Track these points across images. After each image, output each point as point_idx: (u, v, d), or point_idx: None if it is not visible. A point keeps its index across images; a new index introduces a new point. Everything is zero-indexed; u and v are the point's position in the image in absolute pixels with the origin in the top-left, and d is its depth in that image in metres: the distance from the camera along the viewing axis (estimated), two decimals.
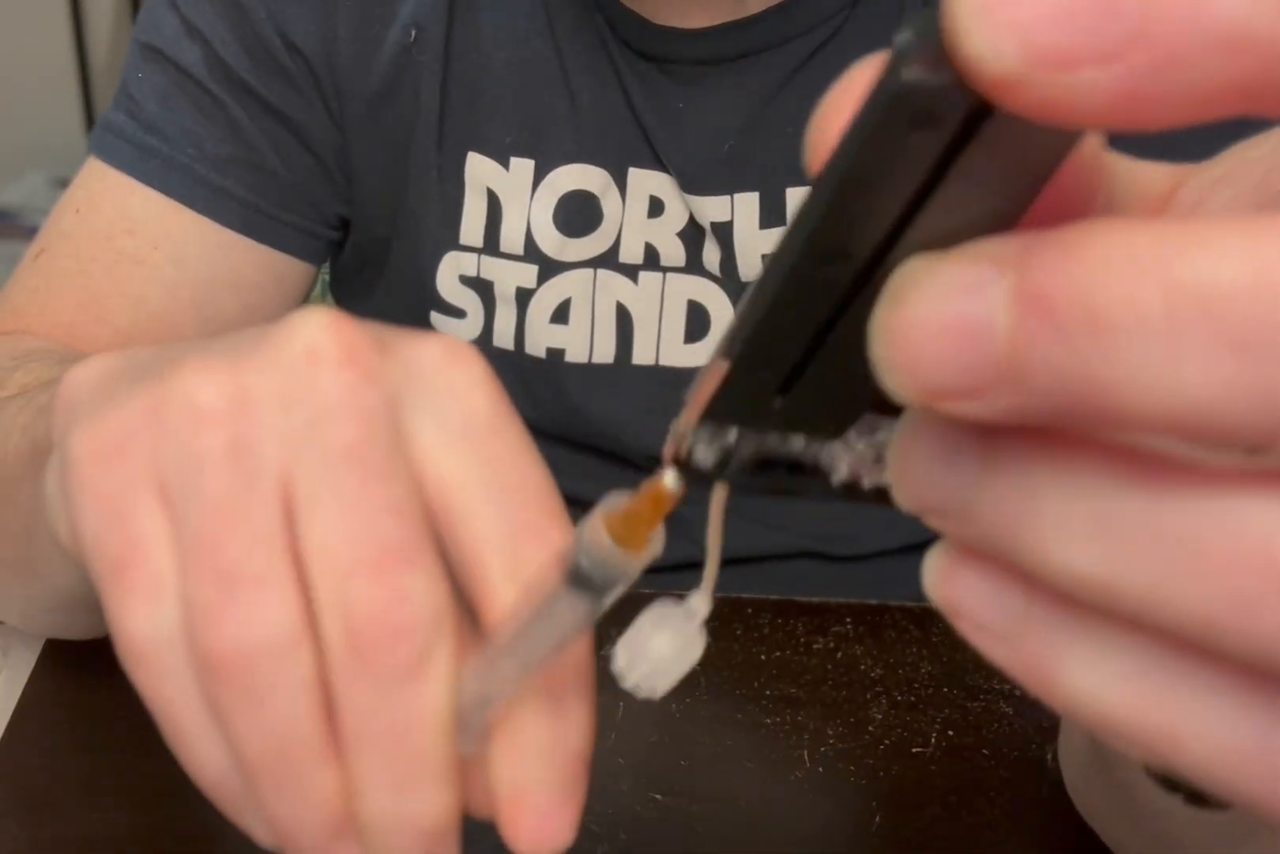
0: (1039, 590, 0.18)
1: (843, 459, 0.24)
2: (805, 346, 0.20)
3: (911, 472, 0.19)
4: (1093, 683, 0.17)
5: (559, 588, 0.27)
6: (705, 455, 0.24)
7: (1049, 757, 0.58)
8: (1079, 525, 0.16)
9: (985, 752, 0.58)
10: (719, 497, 0.26)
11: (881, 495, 0.24)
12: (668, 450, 0.24)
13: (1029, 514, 0.17)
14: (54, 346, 0.61)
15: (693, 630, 0.28)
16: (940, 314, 0.16)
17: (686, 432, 0.24)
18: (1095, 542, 0.16)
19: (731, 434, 0.23)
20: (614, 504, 0.26)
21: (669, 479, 0.25)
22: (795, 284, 0.19)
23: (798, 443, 0.24)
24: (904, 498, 0.19)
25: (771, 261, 0.19)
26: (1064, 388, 0.15)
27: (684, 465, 0.25)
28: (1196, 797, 0.32)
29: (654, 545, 0.26)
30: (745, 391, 0.22)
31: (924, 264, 0.17)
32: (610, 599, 0.27)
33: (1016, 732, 0.59)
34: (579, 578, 0.26)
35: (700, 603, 0.28)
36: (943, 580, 0.19)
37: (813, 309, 0.19)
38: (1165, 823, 0.40)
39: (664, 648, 0.27)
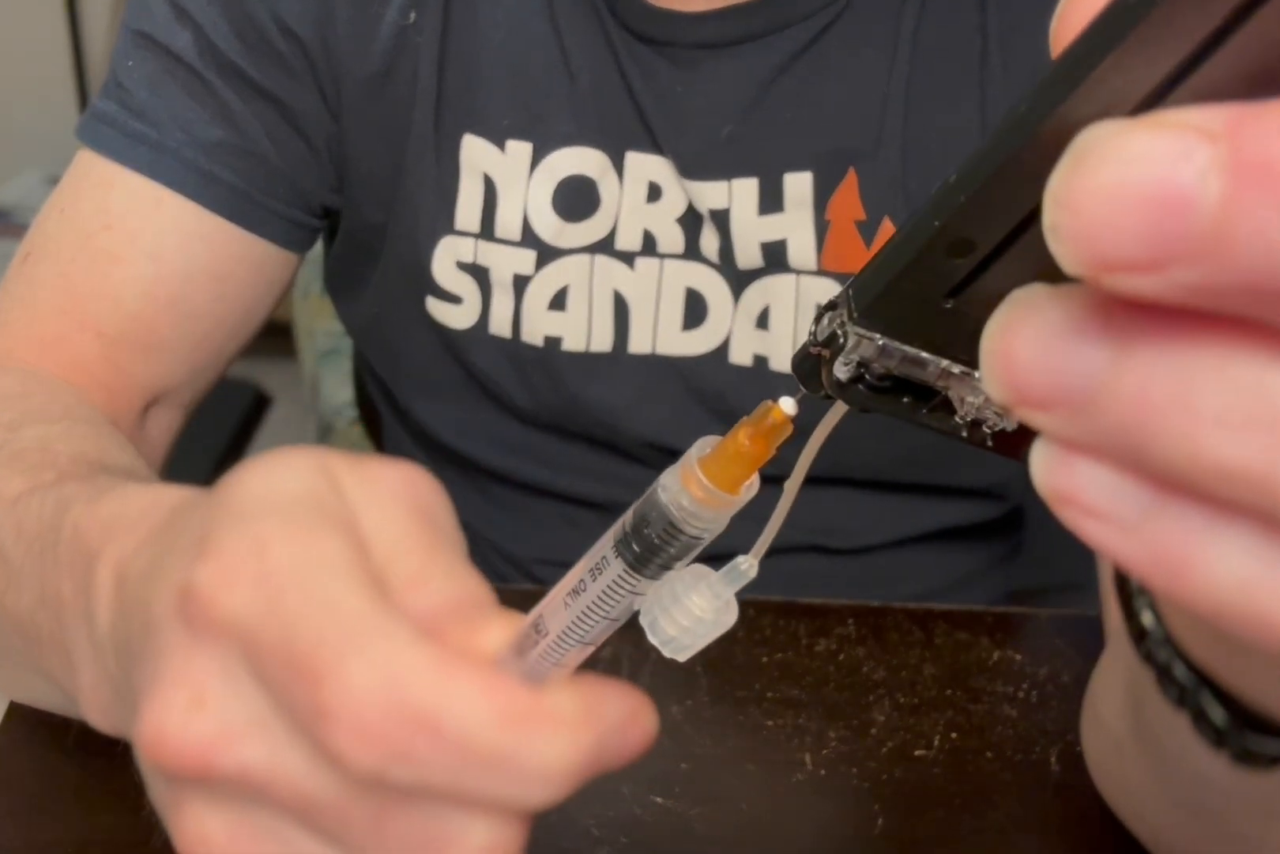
0: (1164, 481, 0.17)
1: (973, 395, 0.23)
2: (1002, 237, 0.19)
3: (1021, 353, 0.18)
4: (1236, 575, 0.17)
5: (615, 563, 0.26)
6: (840, 367, 0.22)
7: (1053, 759, 0.57)
8: (1243, 417, 0.16)
9: (989, 755, 0.57)
10: (833, 417, 0.25)
11: (1001, 442, 0.23)
12: (796, 357, 0.23)
13: (1182, 401, 0.16)
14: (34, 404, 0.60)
15: (729, 595, 0.27)
16: (1135, 181, 0.15)
17: (837, 327, 0.22)
18: (1259, 435, 0.16)
19: (877, 341, 0.22)
20: (706, 447, 0.25)
21: (787, 404, 0.24)
22: (1020, 160, 0.18)
23: (934, 366, 0.22)
24: (1005, 385, 0.18)
25: (1006, 128, 0.18)
26: (1268, 264, 0.15)
27: (810, 377, 0.23)
28: (1244, 754, 0.32)
29: (750, 489, 0.25)
30: (922, 282, 0.20)
31: (1115, 128, 0.16)
32: (688, 560, 0.26)
33: (1020, 734, 0.59)
34: (631, 550, 0.25)
35: (749, 565, 0.27)
36: (1057, 468, 0.18)
37: (1025, 194, 0.17)
38: (1205, 792, 0.40)
39: (702, 609, 0.26)
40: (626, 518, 0.26)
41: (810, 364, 0.23)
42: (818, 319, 0.22)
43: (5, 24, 2.27)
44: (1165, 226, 0.15)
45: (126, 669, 0.32)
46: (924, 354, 0.22)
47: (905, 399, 0.23)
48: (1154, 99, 0.17)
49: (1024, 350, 0.18)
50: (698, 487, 0.24)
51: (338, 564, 0.27)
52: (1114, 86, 0.17)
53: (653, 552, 0.25)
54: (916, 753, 0.57)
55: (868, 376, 0.23)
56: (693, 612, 0.26)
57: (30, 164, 2.28)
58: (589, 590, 0.27)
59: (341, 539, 0.28)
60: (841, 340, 0.22)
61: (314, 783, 0.27)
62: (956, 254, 0.20)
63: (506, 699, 0.25)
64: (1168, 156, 0.15)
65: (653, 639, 0.27)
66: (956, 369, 0.22)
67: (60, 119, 2.30)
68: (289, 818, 0.27)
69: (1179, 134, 0.15)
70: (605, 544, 0.26)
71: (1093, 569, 0.64)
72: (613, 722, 0.27)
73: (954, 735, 0.58)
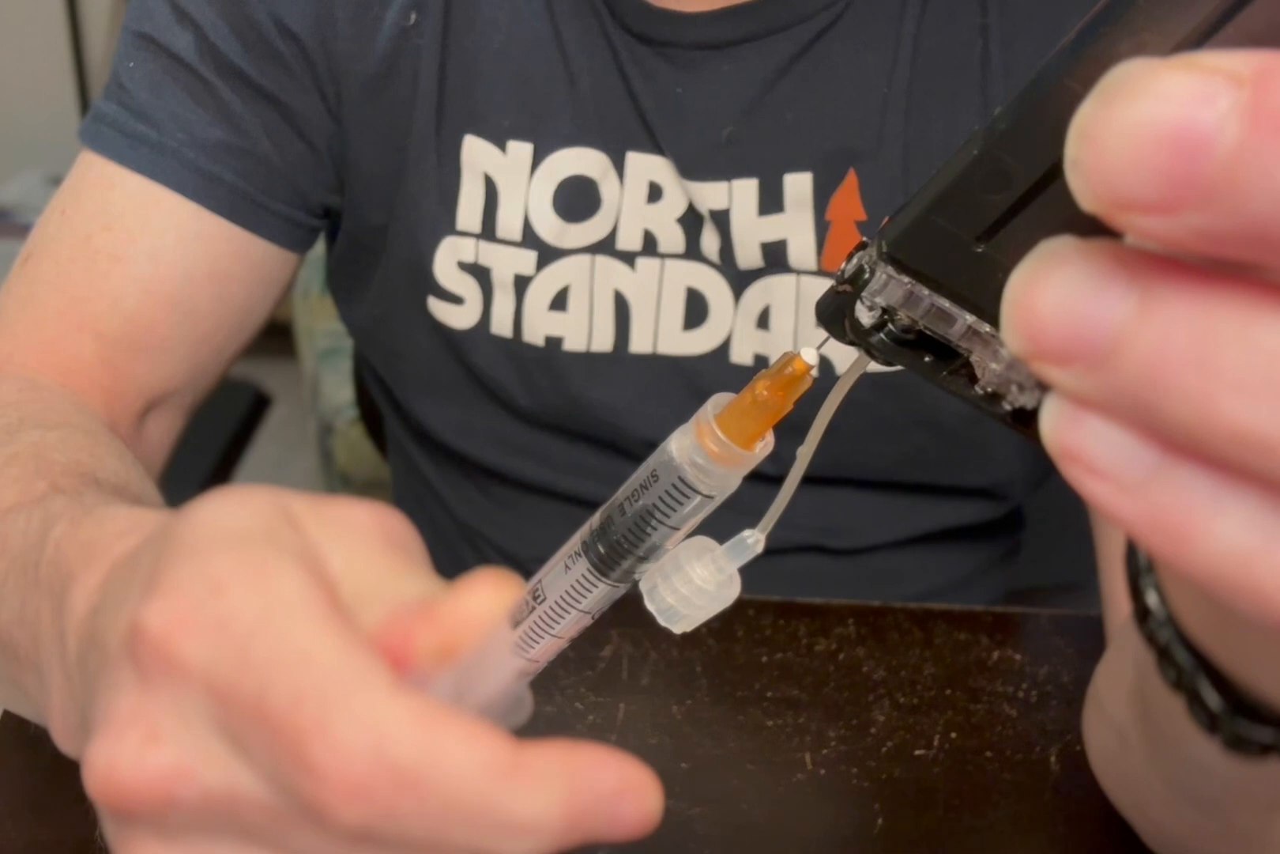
0: (1172, 443, 0.17)
1: (995, 362, 0.22)
2: (1036, 178, 0.19)
3: (1043, 303, 0.17)
4: (1235, 544, 0.17)
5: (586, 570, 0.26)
6: (864, 312, 0.22)
7: (1052, 759, 0.57)
8: (1262, 380, 0.16)
9: (988, 754, 0.57)
10: (855, 369, 0.24)
11: (1020, 418, 0.23)
12: (821, 299, 0.22)
13: (1201, 361, 0.16)
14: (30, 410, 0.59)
15: (733, 569, 0.26)
16: (1157, 119, 0.15)
17: (865, 263, 0.22)
18: (1275, 400, 0.16)
19: (904, 282, 0.22)
20: (721, 403, 0.24)
21: (808, 354, 0.24)
22: (1059, 93, 0.18)
23: (959, 323, 0.22)
24: (1024, 336, 0.18)
25: (1050, 62, 0.18)
26: (1276, 212, 0.15)
27: (834, 320, 0.23)
28: (1236, 741, 0.32)
29: (765, 447, 0.24)
30: (955, 217, 0.20)
31: (1144, 66, 0.16)
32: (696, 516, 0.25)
33: (1019, 734, 0.59)
34: (636, 509, 0.25)
35: (756, 540, 0.27)
36: (1066, 425, 0.18)
37: (1061, 132, 0.17)
38: (1203, 781, 0.40)
39: (704, 581, 0.26)
40: (634, 477, 0.25)
41: (835, 306, 0.23)
42: (849, 257, 0.22)
43: (5, 24, 2.27)
44: (1181, 168, 0.15)
45: (88, 698, 0.31)
46: (950, 306, 0.22)
47: (927, 358, 0.23)
48: (1193, 41, 0.17)
49: (1046, 301, 0.17)
50: (713, 441, 0.24)
51: (300, 606, 0.27)
52: (1153, 24, 0.17)
53: (658, 512, 0.25)
54: (916, 753, 0.57)
55: (891, 327, 0.23)
56: (693, 581, 0.26)
57: (30, 164, 2.28)
58: (590, 552, 0.26)
59: (298, 575, 0.27)
60: (867, 275, 0.22)
61: (281, 809, 0.26)
62: (991, 189, 0.20)
63: (490, 753, 0.25)
64: (1191, 98, 0.15)
65: (650, 606, 0.26)
66: (983, 329, 0.22)
67: (60, 119, 2.30)
68: (250, 845, 0.27)
69: (1206, 77, 0.15)
70: (610, 506, 0.26)
71: (1092, 569, 0.64)
72: (600, 787, 0.26)
73: (954, 735, 0.58)
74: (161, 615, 0.27)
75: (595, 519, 0.26)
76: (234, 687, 0.26)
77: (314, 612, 0.26)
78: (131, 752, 0.27)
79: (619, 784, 0.26)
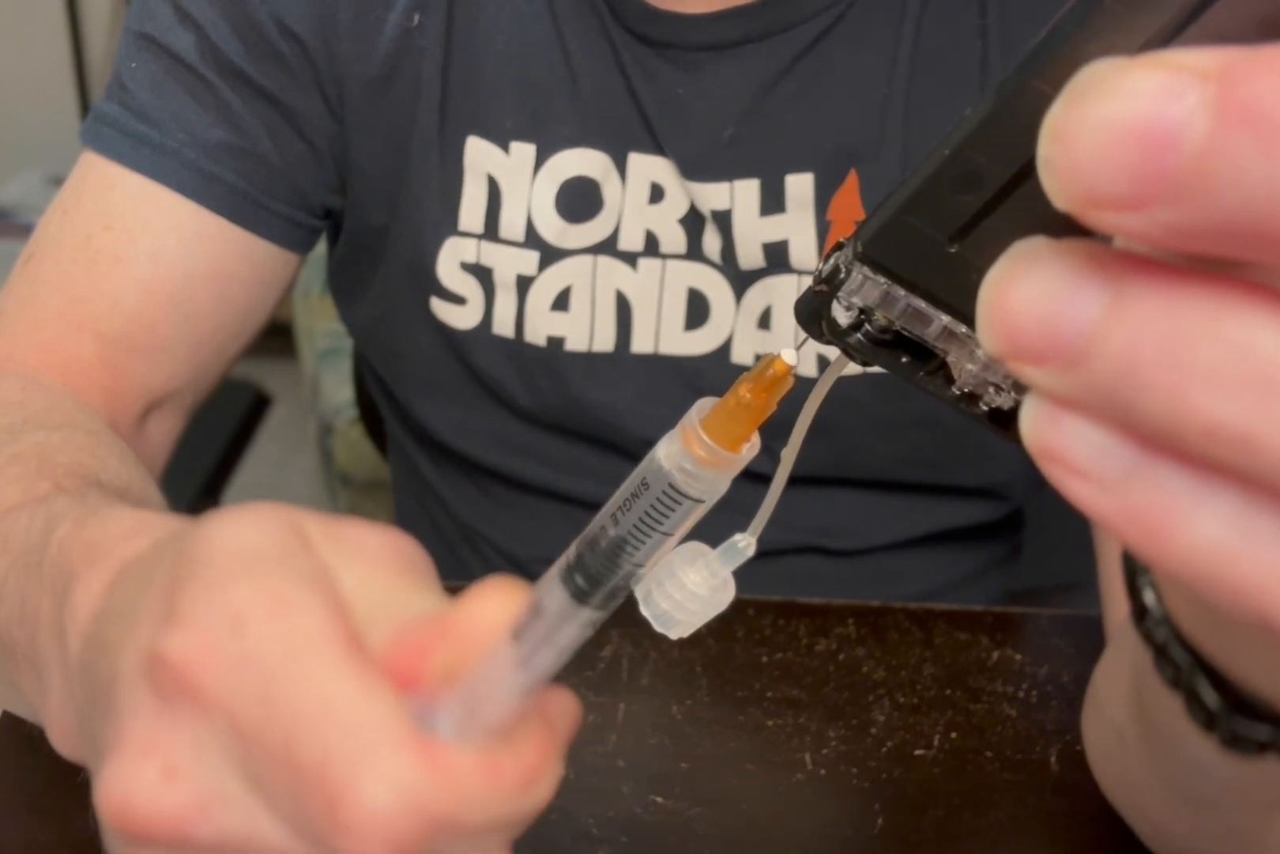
0: (1150, 441, 0.17)
1: (971, 363, 0.22)
2: (1008, 177, 0.19)
3: (1018, 303, 0.18)
4: (1215, 540, 0.17)
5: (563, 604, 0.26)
6: (841, 312, 0.23)
7: (1052, 759, 0.57)
8: (1234, 374, 0.16)
9: (988, 754, 0.57)
10: (834, 370, 0.24)
11: (997, 419, 0.23)
12: (799, 300, 0.23)
13: (1174, 357, 0.16)
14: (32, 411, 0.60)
15: (726, 573, 0.27)
16: (1126, 116, 0.15)
17: (841, 262, 0.22)
18: (1248, 395, 0.16)
19: (880, 283, 0.22)
20: (706, 408, 0.24)
21: (788, 355, 0.24)
22: (1028, 94, 0.18)
23: (935, 324, 0.22)
24: (999, 336, 0.18)
25: (1020, 63, 0.18)
26: (1248, 205, 0.15)
27: (811, 320, 0.23)
28: (1233, 738, 0.32)
29: (751, 449, 0.24)
30: (929, 216, 0.20)
31: (1113, 65, 0.16)
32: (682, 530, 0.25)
33: (1020, 734, 0.59)
34: (629, 517, 0.25)
35: (747, 543, 0.27)
36: (1045, 425, 0.18)
37: (1032, 132, 0.17)
38: (1201, 780, 0.40)
39: (697, 586, 0.26)
40: (623, 486, 0.26)
41: (812, 306, 0.23)
42: (826, 258, 0.22)
43: (5, 24, 2.27)
44: (1151, 164, 0.15)
45: (91, 704, 0.31)
46: (926, 306, 0.22)
47: (905, 358, 0.23)
48: (1160, 40, 0.17)
49: (1020, 300, 0.18)
50: (700, 446, 0.24)
51: (320, 645, 0.27)
52: (1120, 24, 0.17)
53: (653, 519, 0.25)
54: (916, 753, 0.57)
55: (869, 327, 0.23)
56: (686, 586, 0.26)
57: (30, 164, 2.29)
58: (569, 583, 0.27)
59: (317, 607, 0.27)
60: (843, 275, 0.22)
61: (296, 848, 0.27)
62: (964, 189, 0.20)
63: (509, 781, 0.27)
64: (1160, 95, 0.15)
65: (645, 612, 0.27)
66: (959, 330, 0.22)
67: (60, 119, 2.30)
68: None
69: (1174, 74, 0.15)
70: (604, 515, 0.26)
71: (1092, 569, 0.64)
72: (567, 733, 0.29)
73: (954, 735, 0.58)
74: (183, 647, 0.27)
75: (571, 550, 0.26)
76: (259, 731, 0.26)
77: (334, 651, 0.27)
78: (149, 785, 0.27)
79: (575, 720, 0.29)
